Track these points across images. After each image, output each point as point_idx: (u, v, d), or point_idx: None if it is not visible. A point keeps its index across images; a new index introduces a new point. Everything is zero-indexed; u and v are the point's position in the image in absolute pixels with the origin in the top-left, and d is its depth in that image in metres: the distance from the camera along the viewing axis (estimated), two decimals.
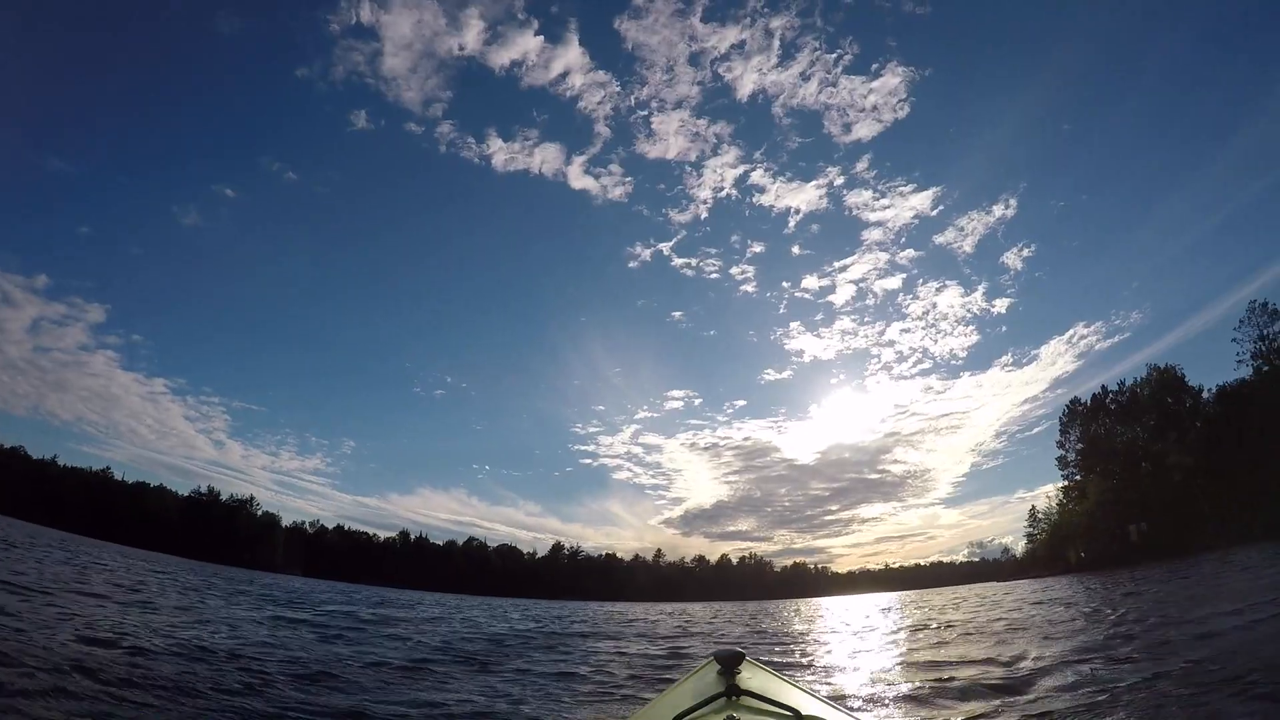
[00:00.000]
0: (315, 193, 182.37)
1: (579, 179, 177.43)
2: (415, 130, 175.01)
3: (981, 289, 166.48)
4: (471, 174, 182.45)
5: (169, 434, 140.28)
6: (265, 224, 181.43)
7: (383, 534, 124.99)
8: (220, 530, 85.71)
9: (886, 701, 5.48)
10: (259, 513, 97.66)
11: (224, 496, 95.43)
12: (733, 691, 1.99)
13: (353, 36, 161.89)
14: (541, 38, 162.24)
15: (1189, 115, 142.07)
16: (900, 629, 13.87)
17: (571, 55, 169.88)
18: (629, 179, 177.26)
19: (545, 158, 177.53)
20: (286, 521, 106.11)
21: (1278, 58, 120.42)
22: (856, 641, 11.74)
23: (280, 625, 10.74)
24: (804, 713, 1.83)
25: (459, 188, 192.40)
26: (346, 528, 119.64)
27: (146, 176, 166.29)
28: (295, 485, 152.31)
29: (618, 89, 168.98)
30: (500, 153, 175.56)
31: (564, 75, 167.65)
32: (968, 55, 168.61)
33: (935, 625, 13.85)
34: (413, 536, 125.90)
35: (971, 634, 10.91)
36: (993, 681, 5.81)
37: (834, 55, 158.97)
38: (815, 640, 12.68)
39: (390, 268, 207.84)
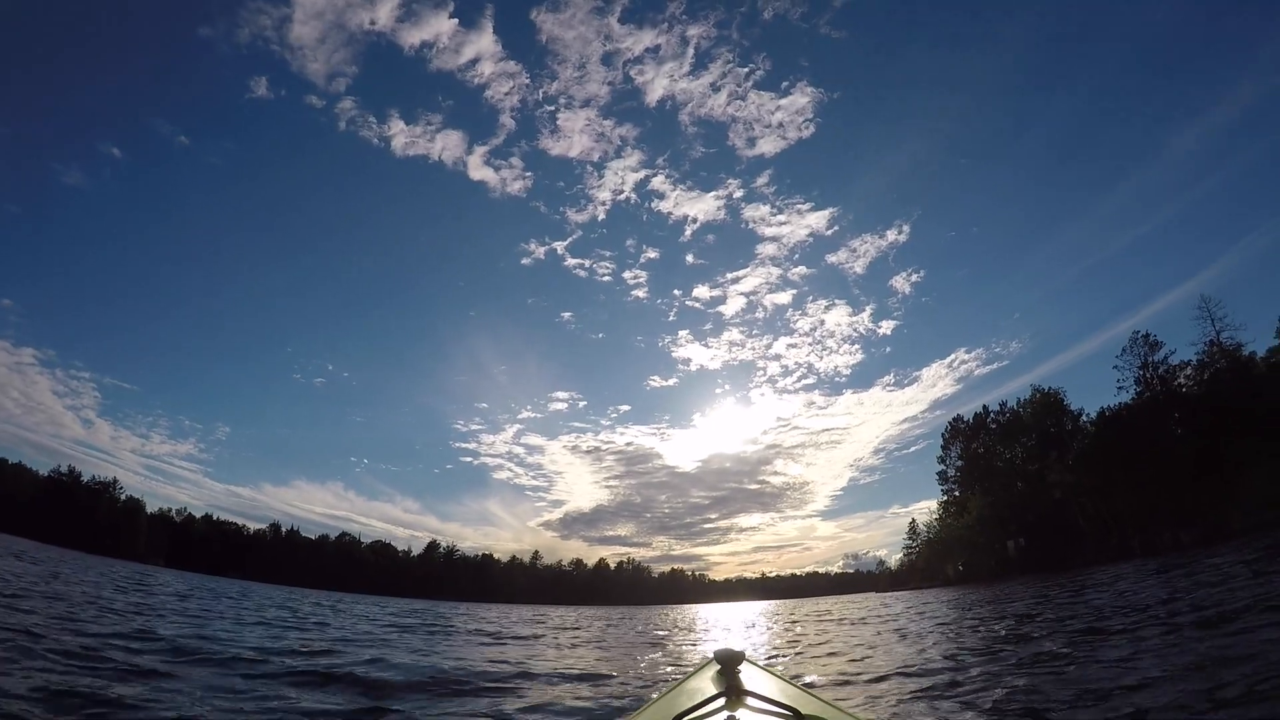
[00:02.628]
0: (207, 162, 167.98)
1: (479, 169, 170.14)
2: (316, 104, 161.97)
3: (869, 310, 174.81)
4: (369, 155, 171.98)
5: (35, 409, 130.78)
6: (152, 190, 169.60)
7: (254, 526, 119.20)
8: (80, 514, 79.80)
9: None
10: (122, 497, 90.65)
11: (88, 479, 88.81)
12: (733, 691, 1.97)
13: None
14: (456, 20, 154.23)
15: (1077, 164, 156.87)
16: None
17: (484, 42, 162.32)
18: (529, 174, 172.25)
19: (446, 145, 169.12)
20: (155, 508, 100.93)
21: (1160, 120, 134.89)
22: None
23: None
24: (804, 712, 1.80)
25: (355, 168, 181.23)
26: (216, 517, 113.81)
27: (26, 127, 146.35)
28: (165, 471, 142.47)
29: (527, 81, 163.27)
30: (401, 135, 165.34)
31: (474, 62, 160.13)
32: (877, 83, 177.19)
33: None
34: (284, 529, 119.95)
35: None
36: None
37: (746, 69, 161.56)
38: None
39: (278, 246, 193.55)
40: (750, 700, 1.93)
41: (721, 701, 1.93)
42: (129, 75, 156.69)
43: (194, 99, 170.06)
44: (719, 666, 2.19)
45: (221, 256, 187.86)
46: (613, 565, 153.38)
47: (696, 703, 1.95)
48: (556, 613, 41.40)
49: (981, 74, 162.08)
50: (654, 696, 2.25)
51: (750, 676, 2.17)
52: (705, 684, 2.20)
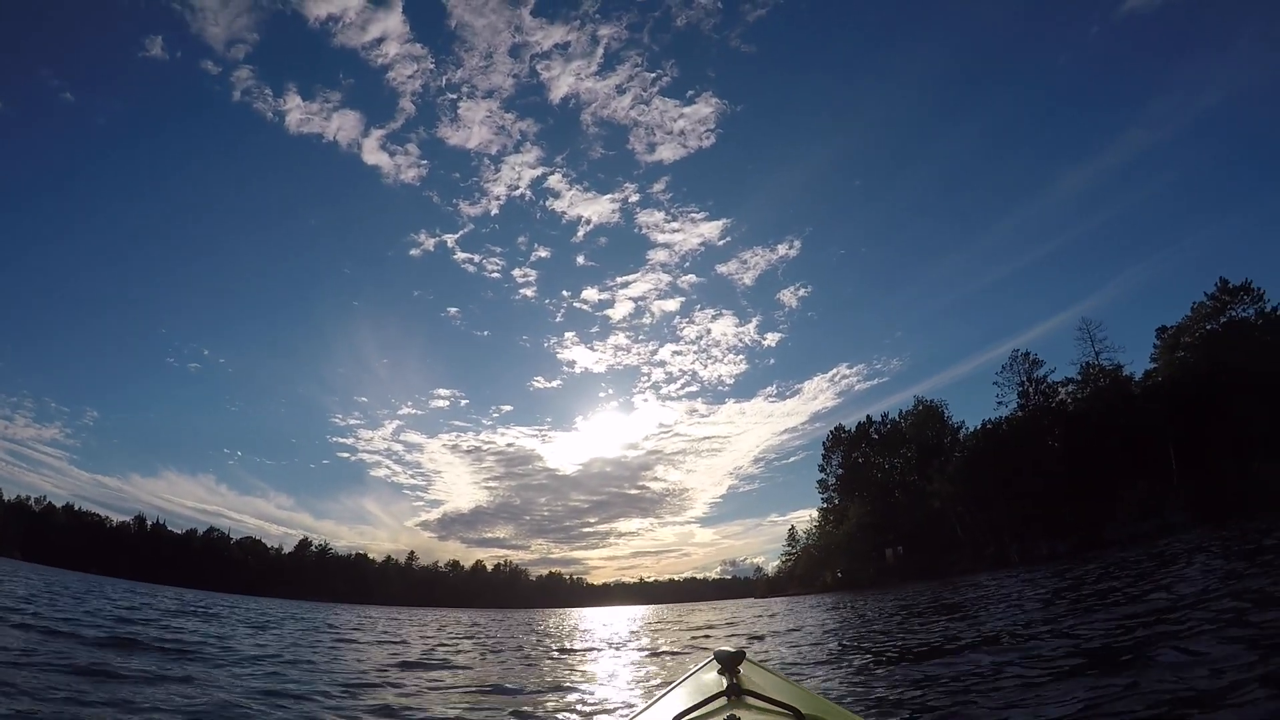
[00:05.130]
0: (93, 122, 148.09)
1: (373, 153, 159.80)
2: (211, 70, 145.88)
3: (755, 321, 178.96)
4: (262, 129, 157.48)
5: None
6: (32, 147, 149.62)
7: (119, 518, 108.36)
8: None
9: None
10: None
11: None
12: (734, 690, 1.95)
13: None
14: None
15: (966, 195, 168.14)
16: None
17: (392, 21, 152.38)
18: (425, 162, 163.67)
19: (343, 125, 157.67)
20: (12, 495, 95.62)
21: (1049, 160, 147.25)
22: None
23: None
24: (805, 712, 1.79)
25: (246, 142, 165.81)
26: (78, 508, 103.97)
27: None
28: (28, 457, 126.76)
29: (431, 66, 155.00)
30: (296, 111, 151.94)
31: (379, 41, 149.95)
32: (781, 100, 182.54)
33: None
34: (150, 523, 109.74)
35: None
36: None
37: (654, 74, 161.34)
38: None
39: (159, 218, 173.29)
40: (751, 699, 1.88)
41: (723, 700, 1.89)
42: (15, 18, 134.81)
43: (85, 53, 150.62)
44: (719, 665, 2.14)
45: (99, 225, 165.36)
46: (490, 567, 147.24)
47: (698, 701, 1.92)
48: (426, 616, 36.82)
49: (882, 102, 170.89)
50: (655, 695, 2.21)
51: (751, 675, 2.13)
52: (706, 683, 2.15)
